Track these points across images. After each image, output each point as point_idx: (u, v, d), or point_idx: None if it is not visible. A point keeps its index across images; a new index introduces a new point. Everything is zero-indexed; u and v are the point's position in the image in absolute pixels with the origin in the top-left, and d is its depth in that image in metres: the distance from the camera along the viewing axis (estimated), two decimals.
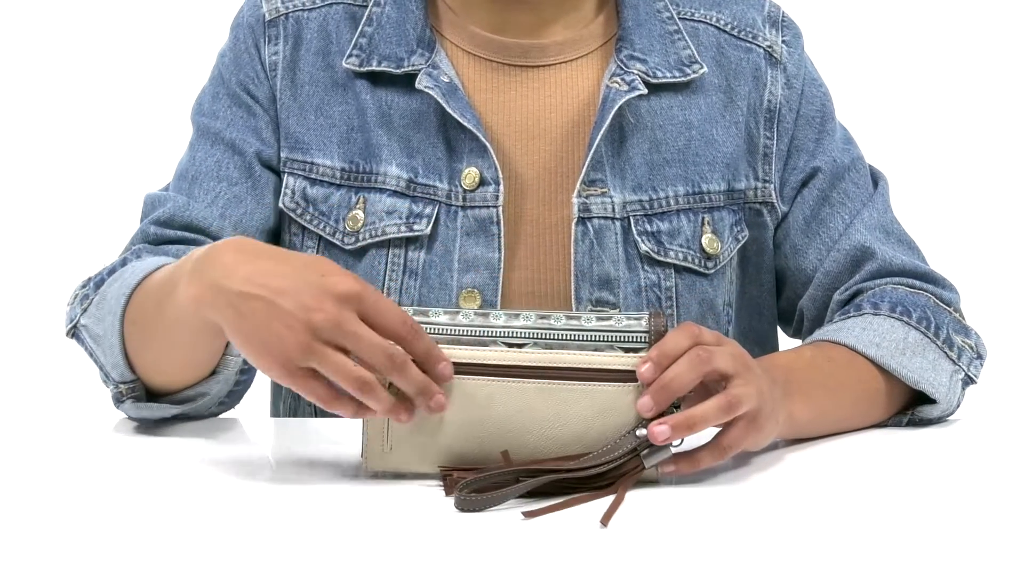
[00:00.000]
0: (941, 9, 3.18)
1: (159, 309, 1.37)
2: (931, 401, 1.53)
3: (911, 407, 1.54)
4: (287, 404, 1.67)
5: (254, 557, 1.10)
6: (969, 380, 1.57)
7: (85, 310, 1.50)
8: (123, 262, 1.53)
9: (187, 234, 1.56)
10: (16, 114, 3.13)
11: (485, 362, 1.26)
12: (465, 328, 1.27)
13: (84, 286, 1.53)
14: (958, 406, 1.57)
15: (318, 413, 1.63)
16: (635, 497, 1.23)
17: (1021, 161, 3.20)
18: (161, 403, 1.47)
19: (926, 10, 3.18)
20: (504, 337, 1.27)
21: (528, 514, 1.18)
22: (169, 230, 1.57)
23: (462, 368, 1.26)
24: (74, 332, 1.52)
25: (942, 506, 1.25)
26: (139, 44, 3.12)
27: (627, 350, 1.27)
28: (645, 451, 1.25)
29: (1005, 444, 1.49)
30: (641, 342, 1.27)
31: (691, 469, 1.28)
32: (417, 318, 1.27)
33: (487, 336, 1.27)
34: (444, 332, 1.27)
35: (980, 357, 1.58)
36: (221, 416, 1.53)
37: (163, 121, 2.67)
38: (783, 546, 1.13)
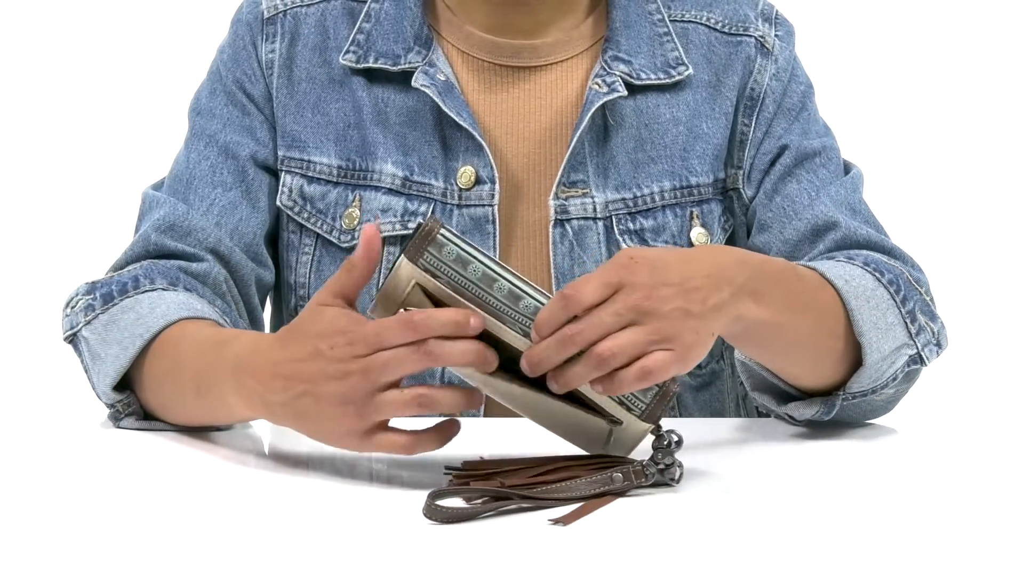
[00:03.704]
0: (929, 9, 3.18)
1: (198, 395, 1.40)
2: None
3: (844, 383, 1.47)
4: None
5: (254, 558, 1.10)
6: (918, 360, 1.50)
7: (89, 322, 1.50)
8: (135, 282, 1.52)
9: (187, 248, 1.56)
10: (15, 114, 3.11)
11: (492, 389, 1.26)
12: (495, 300, 1.24)
13: (88, 293, 1.53)
14: (894, 382, 1.49)
15: None
16: (634, 498, 1.24)
17: (1015, 165, 3.18)
18: (167, 423, 1.49)
19: (914, 10, 3.18)
20: (523, 324, 1.24)
21: (564, 520, 1.18)
22: (171, 241, 1.56)
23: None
24: (73, 339, 1.53)
25: (943, 508, 1.26)
26: (137, 42, 3.10)
27: (622, 403, 1.26)
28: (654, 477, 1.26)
29: (1004, 447, 1.50)
30: (640, 405, 1.26)
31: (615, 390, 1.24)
32: (459, 268, 1.23)
33: (508, 316, 1.24)
34: (473, 291, 1.23)
35: (939, 345, 1.52)
36: None
37: (160, 120, 2.65)
38: (783, 547, 1.14)
